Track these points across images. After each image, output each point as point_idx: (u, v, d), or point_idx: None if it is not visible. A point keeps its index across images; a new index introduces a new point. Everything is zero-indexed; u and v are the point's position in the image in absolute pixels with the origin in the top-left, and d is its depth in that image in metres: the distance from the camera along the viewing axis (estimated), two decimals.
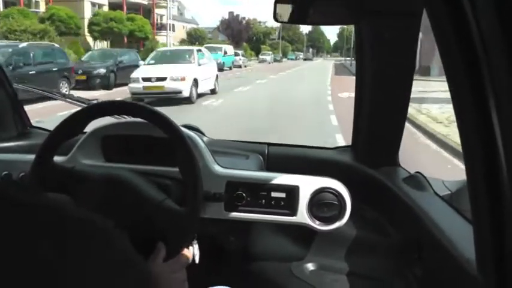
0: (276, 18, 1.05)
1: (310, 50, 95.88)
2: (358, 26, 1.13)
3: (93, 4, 28.22)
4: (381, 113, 1.26)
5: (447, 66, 0.49)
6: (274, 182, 1.11)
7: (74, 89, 11.85)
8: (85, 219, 0.38)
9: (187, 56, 12.69)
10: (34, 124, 1.63)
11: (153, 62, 12.80)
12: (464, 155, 0.53)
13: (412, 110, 7.34)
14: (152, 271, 0.79)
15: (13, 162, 1.18)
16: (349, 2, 0.99)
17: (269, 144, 1.49)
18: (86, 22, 25.11)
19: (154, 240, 0.87)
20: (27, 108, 1.67)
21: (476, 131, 0.48)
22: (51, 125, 1.67)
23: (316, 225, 1.10)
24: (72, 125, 1.01)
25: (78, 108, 1.05)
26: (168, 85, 10.89)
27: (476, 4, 0.40)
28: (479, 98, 0.45)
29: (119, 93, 12.07)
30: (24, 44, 11.62)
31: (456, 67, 0.47)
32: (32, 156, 1.15)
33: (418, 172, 1.24)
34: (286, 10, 1.02)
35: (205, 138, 1.33)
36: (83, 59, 15.60)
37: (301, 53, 76.43)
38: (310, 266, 1.36)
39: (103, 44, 26.05)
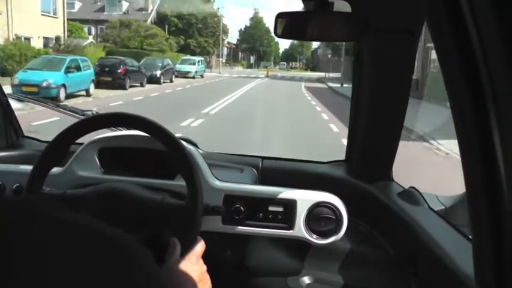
0: (276, 33, 1.06)
1: (251, 57, 62.52)
2: (357, 43, 1.15)
3: None
4: (376, 128, 1.28)
5: (448, 82, 0.50)
6: (272, 196, 1.11)
7: None
8: (109, 236, 0.35)
9: None
10: (26, 134, 1.61)
11: None
12: (464, 169, 0.54)
13: None
14: (173, 271, 0.80)
15: (6, 172, 1.15)
16: (351, 20, 1.00)
17: (263, 157, 1.49)
18: None
19: (165, 239, 0.87)
20: None
21: (477, 147, 0.49)
22: (44, 136, 1.66)
23: (314, 239, 1.10)
24: (69, 137, 0.99)
25: (76, 120, 1.04)
26: None
27: (477, 16, 0.40)
28: (481, 115, 0.45)
29: None
30: None
31: (457, 82, 0.48)
32: (25, 167, 1.13)
33: (412, 187, 1.26)
34: (287, 25, 1.04)
35: (200, 151, 1.33)
36: None
37: (197, 57, 29.52)
38: (306, 280, 1.35)
39: None
